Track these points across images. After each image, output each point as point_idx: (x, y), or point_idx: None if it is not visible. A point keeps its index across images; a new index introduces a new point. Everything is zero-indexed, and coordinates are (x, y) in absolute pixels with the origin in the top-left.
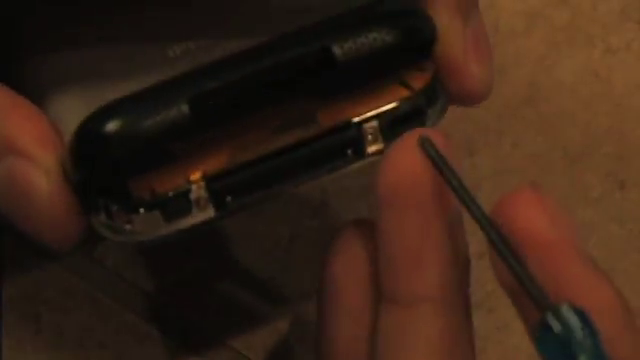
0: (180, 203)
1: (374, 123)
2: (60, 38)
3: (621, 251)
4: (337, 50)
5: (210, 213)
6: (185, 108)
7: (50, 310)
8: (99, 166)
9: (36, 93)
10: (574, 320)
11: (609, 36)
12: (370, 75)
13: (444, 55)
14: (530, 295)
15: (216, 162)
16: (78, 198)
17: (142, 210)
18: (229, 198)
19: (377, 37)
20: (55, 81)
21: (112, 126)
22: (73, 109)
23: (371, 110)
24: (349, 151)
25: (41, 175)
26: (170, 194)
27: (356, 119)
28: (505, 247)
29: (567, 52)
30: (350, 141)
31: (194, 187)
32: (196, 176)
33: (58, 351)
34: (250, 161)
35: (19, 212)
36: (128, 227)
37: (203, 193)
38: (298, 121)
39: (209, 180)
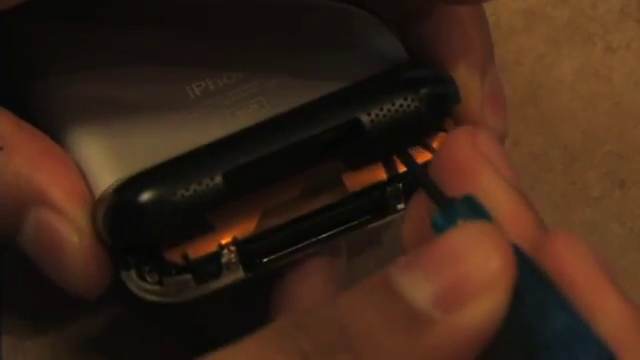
0: (211, 267)
1: (397, 185)
2: (76, 71)
3: (621, 250)
4: (366, 120)
5: (239, 275)
6: (219, 180)
7: (50, 310)
8: (133, 235)
9: (50, 125)
10: (466, 211)
11: (609, 35)
12: (395, 141)
13: (462, 110)
14: (430, 194)
15: (247, 227)
16: (110, 255)
17: (174, 273)
18: (258, 260)
19: (404, 105)
20: (73, 115)
21: (146, 197)
22: (95, 150)
23: (394, 173)
24: (373, 212)
25: (73, 232)
26: (202, 259)
27: (381, 182)
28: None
29: (567, 51)
30: (375, 203)
31: (225, 251)
32: (227, 241)
33: (58, 351)
34: (279, 225)
35: (47, 263)
36: (158, 288)
37: (233, 257)
38: (325, 185)
39: (240, 244)
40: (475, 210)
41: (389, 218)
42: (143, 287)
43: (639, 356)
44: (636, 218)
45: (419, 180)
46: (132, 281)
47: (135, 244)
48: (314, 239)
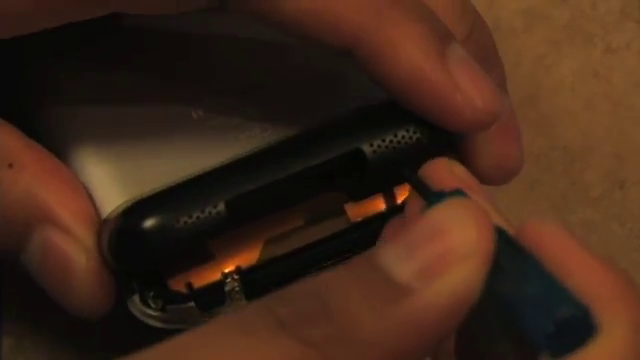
0: (214, 295)
1: (400, 216)
2: (82, 93)
3: (621, 250)
4: (368, 151)
5: (242, 303)
6: (222, 208)
7: (50, 310)
8: (137, 260)
9: (56, 147)
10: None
11: (609, 35)
12: (398, 171)
13: (468, 144)
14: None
15: (250, 256)
16: (114, 278)
17: (177, 301)
18: (261, 289)
19: (406, 137)
20: (79, 137)
21: (150, 223)
22: (101, 172)
23: (397, 202)
24: (375, 242)
25: (80, 252)
26: (205, 287)
27: (383, 212)
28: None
29: (567, 51)
30: (377, 233)
31: (229, 280)
32: (231, 269)
33: (58, 351)
34: (282, 255)
35: (52, 283)
36: (162, 315)
37: (237, 285)
38: (327, 215)
39: (243, 273)
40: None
41: None
42: (146, 313)
43: (614, 308)
44: (636, 219)
45: (409, 180)
46: (135, 306)
47: (139, 269)
48: (317, 268)
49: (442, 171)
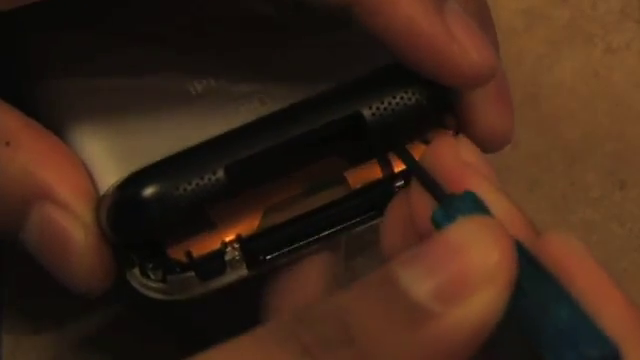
0: (215, 264)
1: (400, 182)
2: (80, 68)
3: (621, 251)
4: (367, 114)
5: (243, 272)
6: (221, 174)
7: (50, 310)
8: (136, 231)
9: (54, 124)
10: (466, 206)
11: (609, 35)
12: (396, 135)
13: (465, 107)
14: (430, 190)
15: (250, 224)
16: (113, 253)
17: (177, 271)
18: (262, 257)
19: (405, 98)
20: (77, 114)
21: (149, 192)
22: (99, 148)
23: (397, 169)
24: (376, 208)
25: (79, 228)
26: (205, 256)
27: (383, 178)
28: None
29: (567, 51)
30: (378, 200)
31: (229, 249)
32: (231, 238)
33: (58, 351)
34: (282, 223)
35: (51, 260)
36: (162, 286)
37: (237, 254)
38: (327, 182)
39: (243, 242)
40: (475, 206)
41: None
42: (147, 285)
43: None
44: (636, 219)
45: (418, 177)
46: (136, 279)
47: (138, 240)
48: (318, 236)
49: (448, 156)
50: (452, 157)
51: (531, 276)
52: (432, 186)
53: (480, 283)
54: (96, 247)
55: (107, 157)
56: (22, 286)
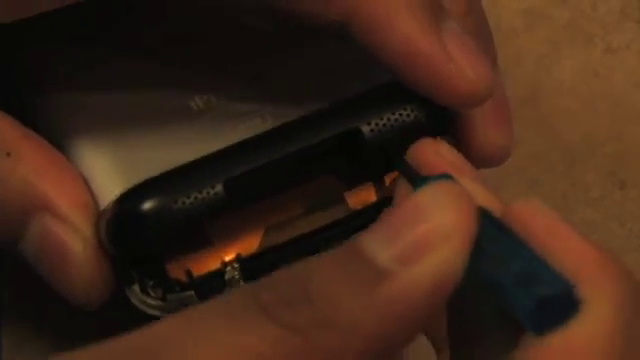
0: (214, 284)
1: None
2: (81, 81)
3: (621, 250)
4: (365, 130)
5: None
6: (220, 189)
7: (50, 310)
8: (135, 243)
9: (54, 137)
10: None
11: (609, 35)
12: (394, 154)
13: (463, 125)
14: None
15: (249, 244)
16: (112, 266)
17: (177, 290)
18: (261, 276)
19: (404, 115)
20: (77, 127)
21: (148, 205)
22: (99, 162)
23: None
24: None
25: (79, 242)
26: (205, 276)
27: (382, 199)
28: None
29: (567, 51)
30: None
31: (229, 269)
32: (230, 258)
33: (58, 351)
34: (282, 243)
35: (50, 271)
36: (161, 304)
37: (236, 274)
38: (327, 202)
39: (243, 262)
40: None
41: None
42: (146, 302)
43: (599, 285)
44: (636, 219)
45: (396, 164)
46: (135, 295)
47: (138, 254)
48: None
49: (429, 153)
50: (432, 153)
51: (493, 237)
52: (409, 171)
53: (437, 242)
54: (95, 259)
55: (107, 171)
56: (22, 286)
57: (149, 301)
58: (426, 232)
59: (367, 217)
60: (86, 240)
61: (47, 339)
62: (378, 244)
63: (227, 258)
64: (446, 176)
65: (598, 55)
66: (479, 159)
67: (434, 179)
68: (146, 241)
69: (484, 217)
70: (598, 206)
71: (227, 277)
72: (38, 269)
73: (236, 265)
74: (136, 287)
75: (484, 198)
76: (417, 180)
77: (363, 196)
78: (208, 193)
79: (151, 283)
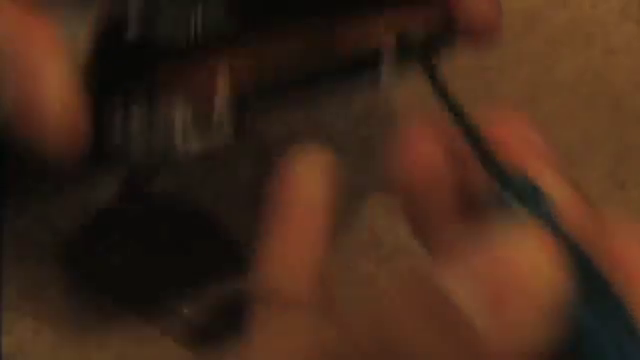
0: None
1: (391, 41)
2: None
3: None
4: None
5: (229, 133)
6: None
7: (49, 309)
8: (123, 64)
9: None
10: (529, 192)
11: (609, 36)
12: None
13: None
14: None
15: (241, 84)
16: (95, 99)
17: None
18: (248, 118)
19: None
20: None
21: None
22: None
23: (388, 32)
24: (367, 71)
25: (54, 79)
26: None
27: (372, 43)
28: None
29: (567, 52)
30: (369, 61)
31: (217, 103)
32: (221, 93)
33: (58, 351)
34: (272, 83)
35: (26, 115)
36: (145, 134)
37: (225, 112)
38: (319, 44)
39: (233, 100)
40: (533, 194)
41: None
42: (130, 133)
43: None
44: (636, 219)
45: (479, 152)
46: (118, 130)
47: (124, 74)
48: (308, 95)
49: (514, 138)
50: (519, 140)
51: (591, 289)
52: (493, 161)
53: (523, 296)
54: (69, 96)
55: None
56: (22, 286)
57: (132, 127)
58: (512, 284)
59: (358, 60)
60: (61, 75)
61: (46, 337)
62: (459, 285)
63: (218, 92)
64: (531, 182)
65: (598, 55)
66: (471, 29)
67: (519, 181)
68: (133, 51)
69: (576, 258)
70: (598, 206)
71: (217, 106)
72: (15, 119)
73: (225, 100)
74: (118, 116)
75: (566, 194)
76: (501, 177)
77: (354, 38)
78: (205, 12)
79: (135, 108)
